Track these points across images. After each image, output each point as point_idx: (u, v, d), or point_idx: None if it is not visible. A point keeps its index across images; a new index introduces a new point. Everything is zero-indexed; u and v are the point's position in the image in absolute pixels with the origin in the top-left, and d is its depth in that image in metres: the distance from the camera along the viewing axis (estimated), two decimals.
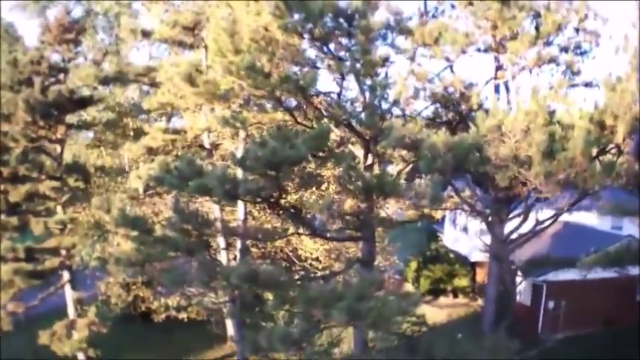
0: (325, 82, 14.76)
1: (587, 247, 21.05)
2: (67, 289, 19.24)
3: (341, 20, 13.70)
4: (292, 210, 14.37)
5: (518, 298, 22.10)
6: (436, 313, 24.01)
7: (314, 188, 15.49)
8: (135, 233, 14.22)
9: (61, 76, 18.80)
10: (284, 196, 13.57)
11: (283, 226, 17.35)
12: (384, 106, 12.80)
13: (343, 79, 13.40)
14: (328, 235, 15.36)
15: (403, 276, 26.40)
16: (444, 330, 23.08)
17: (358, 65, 13.13)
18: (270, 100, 14.17)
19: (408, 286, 26.28)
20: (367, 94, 12.84)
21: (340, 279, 17.19)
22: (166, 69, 15.29)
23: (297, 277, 15.65)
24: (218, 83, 14.49)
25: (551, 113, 12.77)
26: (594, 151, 12.52)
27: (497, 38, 14.34)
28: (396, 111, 12.57)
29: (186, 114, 15.90)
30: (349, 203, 13.99)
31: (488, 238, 17.83)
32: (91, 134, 20.03)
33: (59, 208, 17.96)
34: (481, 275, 24.28)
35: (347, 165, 13.52)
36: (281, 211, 15.18)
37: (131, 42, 21.32)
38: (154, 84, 16.65)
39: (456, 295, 25.47)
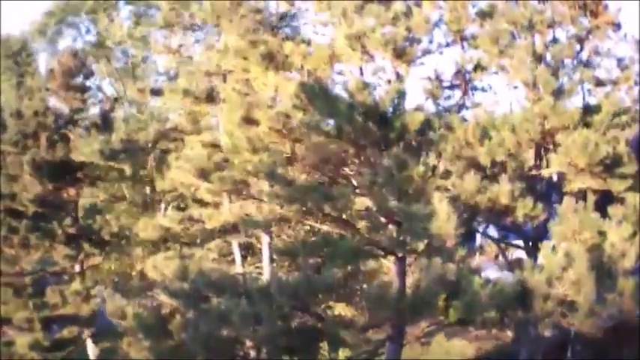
0: None
1: None
2: (89, 343, 18.83)
3: (375, 117, 12.22)
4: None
5: None
6: (465, 346, 23.27)
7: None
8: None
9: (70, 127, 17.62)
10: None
11: None
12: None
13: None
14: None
15: None
16: None
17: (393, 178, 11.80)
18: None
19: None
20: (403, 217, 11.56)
21: None
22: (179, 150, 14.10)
23: None
24: (235, 177, 13.25)
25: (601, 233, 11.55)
26: None
27: (545, 127, 12.80)
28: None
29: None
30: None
31: None
32: None
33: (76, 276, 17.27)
34: None
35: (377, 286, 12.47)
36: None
37: (141, 100, 19.88)
38: (168, 151, 15.48)
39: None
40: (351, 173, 13.99)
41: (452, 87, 15.22)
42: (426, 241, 11.69)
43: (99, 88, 25.77)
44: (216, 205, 14.80)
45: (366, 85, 12.11)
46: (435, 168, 13.63)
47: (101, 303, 20.99)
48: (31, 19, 26.19)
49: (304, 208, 13.14)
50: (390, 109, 12.23)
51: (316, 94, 12.43)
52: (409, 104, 13.38)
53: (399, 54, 13.12)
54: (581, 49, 14.64)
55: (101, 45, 25.40)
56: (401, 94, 12.56)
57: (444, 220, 10.67)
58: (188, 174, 13.23)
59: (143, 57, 24.89)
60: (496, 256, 19.63)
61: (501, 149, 12.20)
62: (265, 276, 16.13)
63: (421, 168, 11.66)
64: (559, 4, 14.65)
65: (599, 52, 14.88)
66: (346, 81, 14.07)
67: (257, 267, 17.74)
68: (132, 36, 24.26)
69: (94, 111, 18.66)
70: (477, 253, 17.98)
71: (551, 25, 14.21)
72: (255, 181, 13.71)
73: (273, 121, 13.09)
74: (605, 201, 13.65)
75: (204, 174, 13.22)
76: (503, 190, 11.90)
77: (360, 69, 13.61)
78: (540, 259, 10.86)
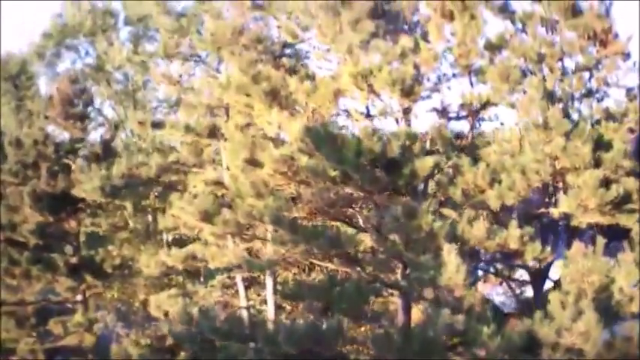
0: None
1: None
2: None
3: (383, 163, 11.97)
4: None
5: None
6: None
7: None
8: None
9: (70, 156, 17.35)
10: None
11: None
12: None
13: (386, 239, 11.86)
14: None
15: None
16: None
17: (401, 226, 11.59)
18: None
19: None
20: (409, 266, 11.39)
21: None
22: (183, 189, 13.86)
23: None
24: (239, 220, 13.03)
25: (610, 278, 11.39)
26: None
27: (556, 168, 12.57)
28: None
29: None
30: None
31: None
32: None
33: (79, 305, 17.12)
34: None
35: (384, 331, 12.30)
36: None
37: (143, 134, 19.54)
38: (172, 186, 15.22)
39: None
40: (357, 210, 13.84)
41: (459, 118, 14.97)
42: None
43: (99, 112, 25.46)
44: (220, 245, 14.61)
45: (374, 132, 11.88)
46: (441, 203, 13.47)
47: (103, 328, 20.94)
48: (29, 41, 25.84)
49: (309, 251, 12.99)
50: (399, 155, 12.02)
51: (322, 138, 12.17)
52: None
53: (407, 93, 12.83)
54: (590, 78, 14.40)
55: (101, 68, 24.99)
56: (410, 138, 12.35)
57: (453, 272, 10.49)
58: (191, 216, 12.99)
59: (144, 81, 24.50)
60: (500, 283, 19.51)
61: (512, 193, 11.96)
62: (269, 308, 15.99)
63: (430, 217, 11.49)
64: (569, 32, 14.38)
65: (607, 82, 14.64)
66: (351, 116, 13.74)
67: (260, 295, 17.61)
68: (131, 60, 23.89)
69: (94, 135, 18.41)
70: (482, 280, 17.81)
71: (561, 57, 13.95)
72: (259, 224, 13.51)
73: (277, 163, 12.86)
74: (612, 234, 13.52)
75: (207, 216, 12.98)
76: (512, 235, 11.69)
77: (367, 108, 13.33)
78: (549, 308, 10.67)
